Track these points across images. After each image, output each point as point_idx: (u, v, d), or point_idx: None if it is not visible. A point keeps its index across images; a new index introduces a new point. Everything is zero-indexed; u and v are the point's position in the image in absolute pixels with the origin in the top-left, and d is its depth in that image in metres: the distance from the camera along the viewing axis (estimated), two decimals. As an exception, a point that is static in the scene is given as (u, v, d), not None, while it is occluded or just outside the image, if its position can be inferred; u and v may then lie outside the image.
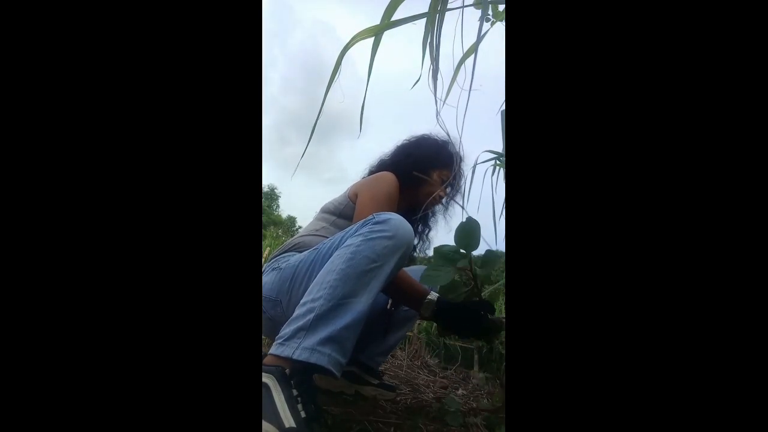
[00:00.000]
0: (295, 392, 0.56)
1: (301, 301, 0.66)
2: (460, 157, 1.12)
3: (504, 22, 0.78)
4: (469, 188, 1.15)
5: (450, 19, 0.58)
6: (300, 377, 0.58)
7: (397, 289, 0.81)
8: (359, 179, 1.09)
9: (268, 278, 0.86)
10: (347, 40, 0.62)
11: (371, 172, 1.14)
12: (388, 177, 1.01)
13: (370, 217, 0.72)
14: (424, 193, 1.08)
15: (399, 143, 1.17)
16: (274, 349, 0.61)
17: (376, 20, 0.62)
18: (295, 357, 0.58)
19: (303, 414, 0.54)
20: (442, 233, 1.17)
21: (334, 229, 0.99)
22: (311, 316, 0.61)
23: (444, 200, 1.16)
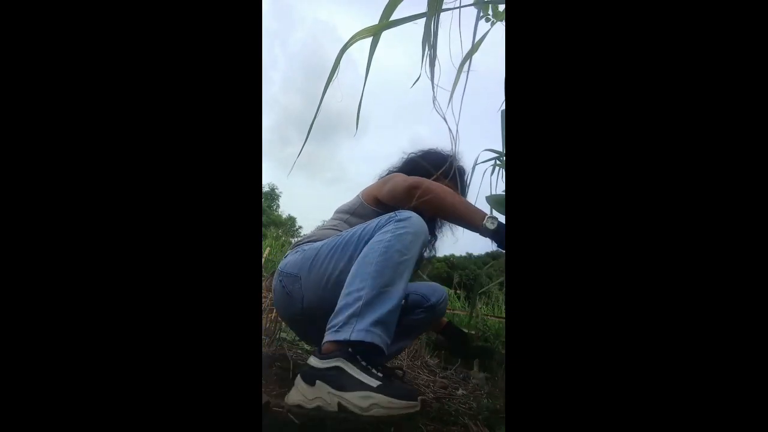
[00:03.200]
0: (363, 363, 0.65)
1: (346, 291, 0.74)
2: (464, 170, 1.18)
3: (504, 22, 0.78)
4: (468, 187, 1.17)
5: (450, 18, 0.58)
6: (361, 352, 0.67)
7: (458, 210, 0.87)
8: (371, 182, 1.12)
9: (290, 258, 0.94)
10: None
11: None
12: (401, 176, 1.04)
13: (393, 214, 0.81)
14: None
15: (405, 156, 1.20)
16: (331, 337, 0.69)
17: (378, 20, 0.62)
18: (352, 338, 0.68)
19: (380, 375, 0.64)
20: (449, 242, 1.21)
21: (348, 226, 1.03)
22: (360, 303, 0.71)
23: None
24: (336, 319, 0.71)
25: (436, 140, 1.19)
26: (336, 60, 0.60)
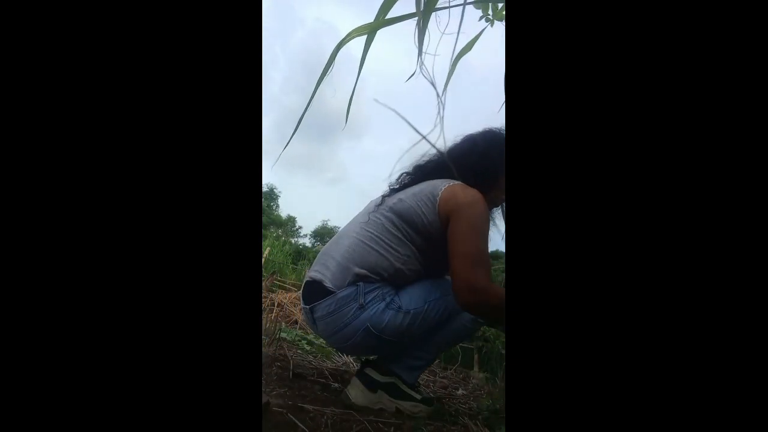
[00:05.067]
0: (411, 385, 0.98)
1: (429, 348, 0.99)
2: None
3: (504, 22, 0.78)
4: None
5: (449, 17, 0.58)
6: (412, 384, 0.99)
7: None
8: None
9: (387, 319, 0.89)
10: (349, 39, 0.62)
11: (431, 161, 1.02)
12: (482, 206, 0.91)
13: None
14: (490, 199, 0.99)
15: (463, 139, 1.03)
16: (399, 371, 0.96)
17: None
18: (410, 380, 0.98)
19: (421, 394, 0.98)
20: (496, 237, 1.08)
21: (419, 255, 0.94)
22: (426, 362, 1.01)
23: (504, 205, 1.07)
24: (411, 361, 0.98)
25: (437, 141, 1.05)
26: (330, 56, 0.60)
